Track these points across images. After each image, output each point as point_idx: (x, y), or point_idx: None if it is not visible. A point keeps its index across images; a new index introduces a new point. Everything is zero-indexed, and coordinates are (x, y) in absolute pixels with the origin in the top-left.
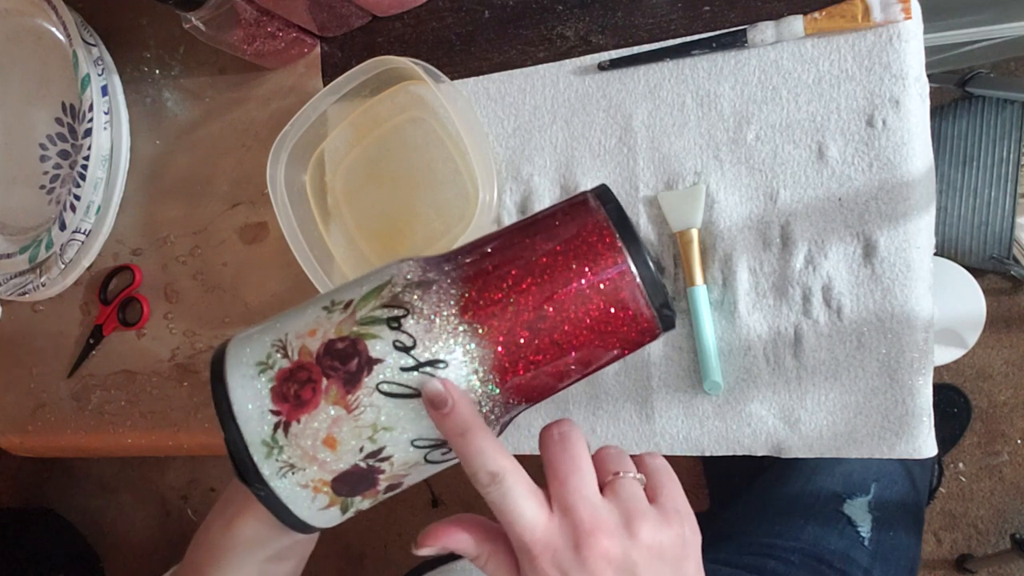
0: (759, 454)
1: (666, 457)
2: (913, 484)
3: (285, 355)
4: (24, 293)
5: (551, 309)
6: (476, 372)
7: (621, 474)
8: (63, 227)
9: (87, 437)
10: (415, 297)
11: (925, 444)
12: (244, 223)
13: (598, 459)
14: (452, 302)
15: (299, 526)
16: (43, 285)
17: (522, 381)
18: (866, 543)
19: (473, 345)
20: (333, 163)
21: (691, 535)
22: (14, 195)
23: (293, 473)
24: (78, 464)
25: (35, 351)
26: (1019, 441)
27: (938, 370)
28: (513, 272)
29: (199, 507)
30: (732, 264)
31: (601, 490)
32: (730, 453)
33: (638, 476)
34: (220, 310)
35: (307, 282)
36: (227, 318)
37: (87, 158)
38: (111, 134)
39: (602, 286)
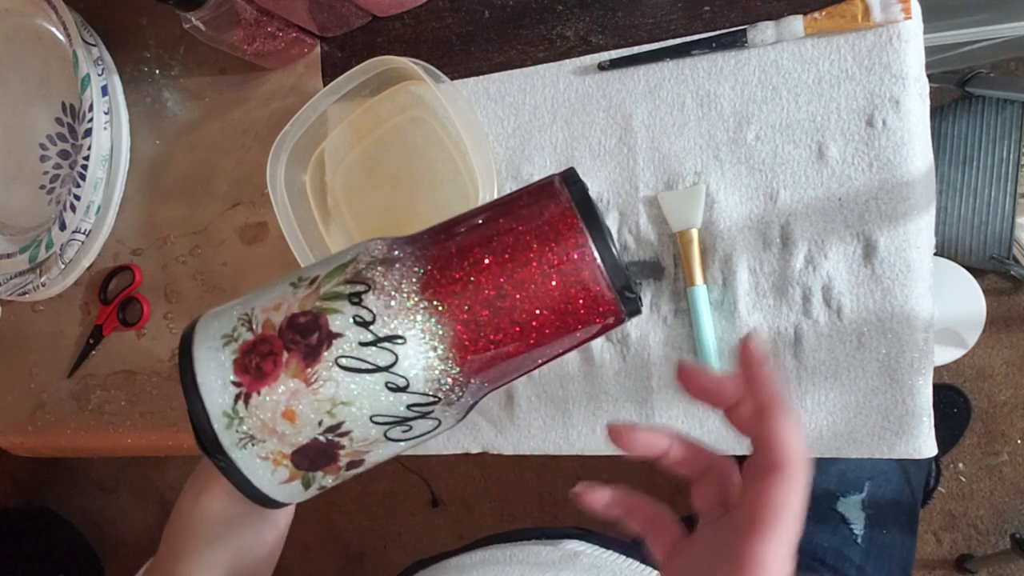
0: None
1: None
2: (908, 483)
3: (249, 328)
4: (24, 293)
5: (511, 288)
6: (435, 349)
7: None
8: (63, 227)
9: (87, 437)
10: (377, 273)
11: (925, 444)
12: (244, 223)
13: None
14: (414, 279)
15: (261, 499)
16: (43, 285)
17: (482, 360)
18: (859, 541)
19: (432, 322)
20: (333, 163)
21: None
22: (14, 195)
23: (253, 445)
24: (78, 464)
25: (35, 351)
26: (1019, 441)
27: (938, 370)
28: (475, 251)
29: None
30: (732, 264)
31: None
32: (730, 453)
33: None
34: None
35: None
36: None
37: (87, 158)
38: (111, 134)
39: (563, 267)
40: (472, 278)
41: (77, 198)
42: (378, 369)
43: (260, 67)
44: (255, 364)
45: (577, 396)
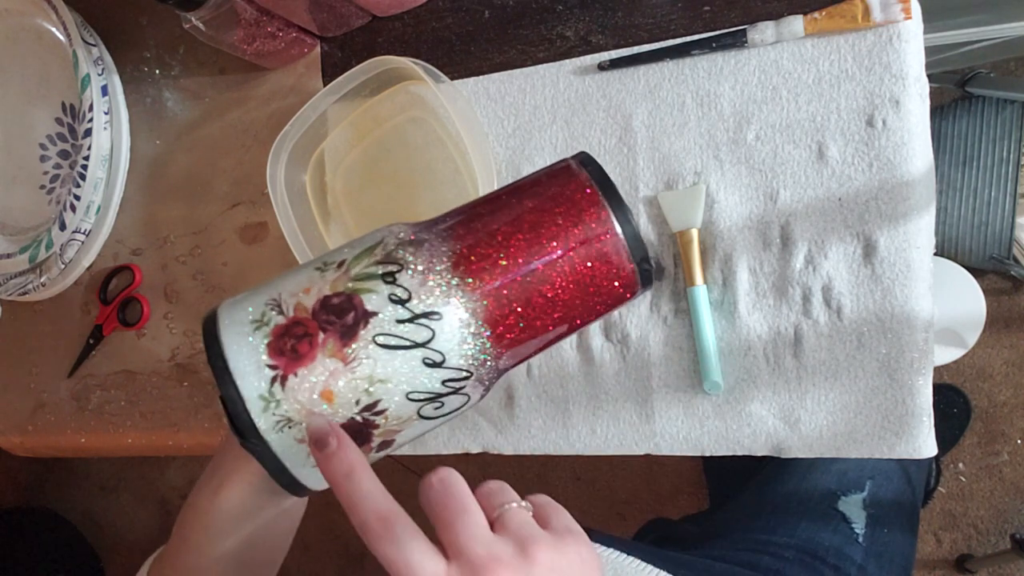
0: (759, 454)
1: (666, 457)
2: (909, 482)
3: (280, 312)
4: (24, 293)
5: (539, 263)
6: (468, 324)
7: (506, 505)
8: (63, 227)
9: (87, 437)
10: (408, 253)
11: (925, 444)
12: (244, 223)
13: (481, 496)
14: (444, 258)
15: (292, 485)
16: (43, 285)
17: (512, 334)
18: (860, 540)
19: (466, 298)
20: (333, 163)
21: (588, 554)
22: (14, 195)
23: (289, 427)
24: (78, 464)
25: (35, 351)
26: (1019, 441)
27: (938, 370)
28: (502, 228)
29: None
30: (732, 264)
31: (491, 527)
32: (730, 453)
33: (524, 504)
34: None
35: None
36: None
37: (87, 158)
38: (111, 134)
39: (586, 240)
40: (501, 254)
41: (77, 198)
42: (416, 345)
43: (260, 67)
44: (290, 346)
45: (577, 396)
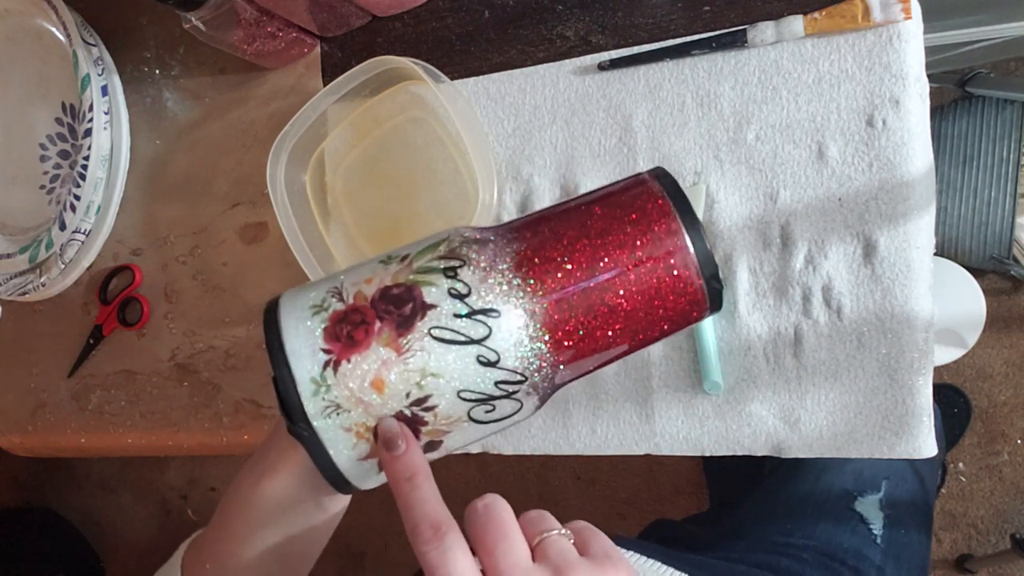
0: (759, 454)
1: (666, 457)
2: (922, 482)
3: (340, 299)
4: (24, 293)
5: (604, 271)
6: (527, 326)
7: (546, 533)
8: (63, 227)
9: (87, 437)
10: (472, 251)
11: (925, 444)
12: (244, 223)
13: (522, 523)
14: (508, 258)
15: (336, 477)
16: (43, 285)
17: (571, 342)
18: (878, 541)
19: (526, 299)
20: (333, 163)
21: None
22: (14, 195)
23: (338, 414)
24: (78, 464)
25: (35, 351)
26: (1019, 441)
27: (938, 370)
28: (569, 233)
29: (199, 507)
30: (732, 264)
31: (532, 554)
32: (730, 453)
33: (564, 532)
34: (220, 310)
35: (307, 282)
36: (227, 318)
37: (87, 158)
38: (111, 134)
39: (654, 251)
40: (566, 258)
41: (77, 198)
42: (471, 341)
43: (260, 67)
44: (346, 332)
45: (577, 396)
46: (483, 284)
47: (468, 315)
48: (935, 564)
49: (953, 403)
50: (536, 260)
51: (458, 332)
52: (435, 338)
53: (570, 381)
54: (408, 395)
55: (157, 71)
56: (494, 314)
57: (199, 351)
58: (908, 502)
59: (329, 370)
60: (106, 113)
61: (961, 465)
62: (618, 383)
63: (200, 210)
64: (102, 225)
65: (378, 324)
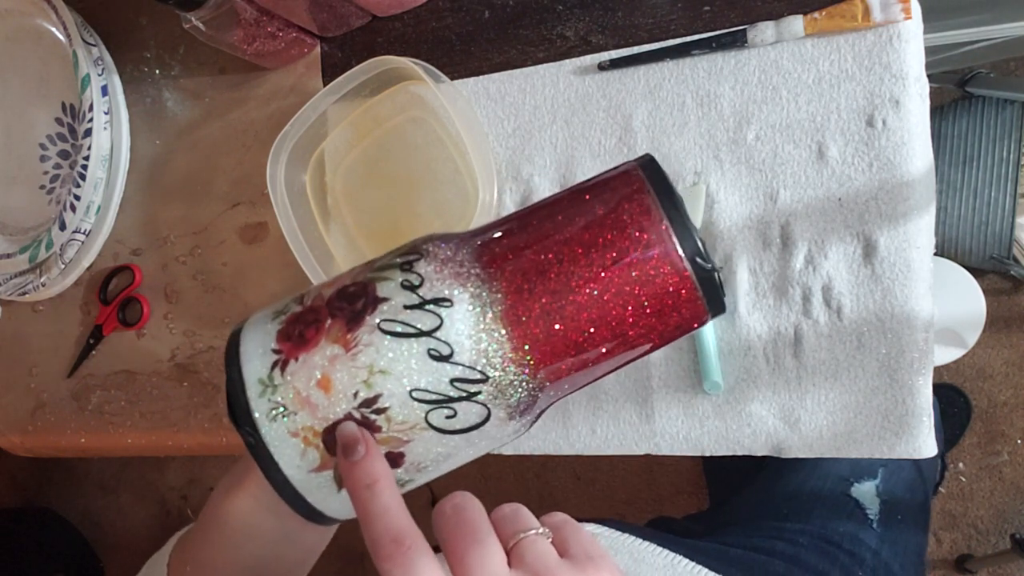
0: (759, 454)
1: (666, 457)
2: (920, 474)
3: (300, 303)
4: (24, 293)
5: (575, 262)
6: (483, 316)
7: (522, 534)
8: (63, 227)
9: (87, 437)
10: (432, 244)
11: (925, 444)
12: (244, 223)
13: (496, 523)
14: (467, 249)
15: (286, 489)
16: (43, 285)
17: (538, 341)
18: (874, 525)
19: (483, 288)
20: (333, 163)
21: None
22: (14, 195)
23: (284, 417)
24: (78, 464)
25: (35, 351)
26: (1019, 441)
27: (938, 370)
28: (535, 222)
29: (199, 507)
30: (732, 264)
31: (507, 557)
32: (730, 453)
33: (542, 531)
34: (220, 310)
35: (307, 282)
36: (227, 318)
37: (87, 158)
38: (111, 134)
39: (624, 226)
40: (530, 246)
41: (77, 198)
42: (421, 333)
43: (260, 67)
44: (298, 332)
45: (577, 396)
46: (437, 275)
47: (418, 305)
48: (935, 564)
49: (953, 403)
50: (496, 248)
51: (407, 324)
52: (384, 331)
53: (559, 396)
54: (356, 394)
55: (157, 71)
56: (445, 303)
57: (199, 351)
58: (905, 491)
59: (277, 370)
60: (106, 113)
61: (961, 465)
62: (618, 383)
63: (200, 210)
64: (102, 225)
65: (329, 321)
